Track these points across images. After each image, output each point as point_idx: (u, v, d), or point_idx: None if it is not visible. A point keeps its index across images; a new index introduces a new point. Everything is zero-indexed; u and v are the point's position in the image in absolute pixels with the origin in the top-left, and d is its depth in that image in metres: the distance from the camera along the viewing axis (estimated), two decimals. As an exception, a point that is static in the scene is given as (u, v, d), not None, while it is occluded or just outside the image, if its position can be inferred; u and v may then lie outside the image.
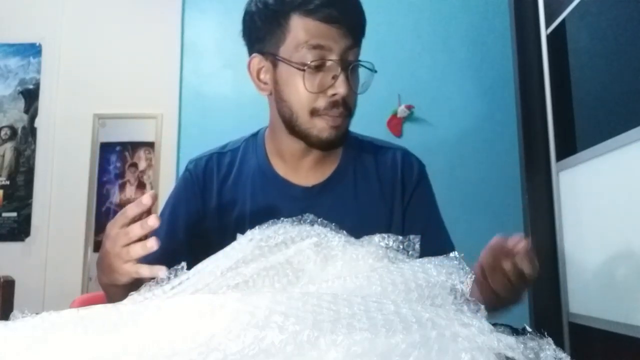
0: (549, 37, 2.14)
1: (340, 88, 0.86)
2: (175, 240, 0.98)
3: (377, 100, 2.54)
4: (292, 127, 0.92)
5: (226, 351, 0.44)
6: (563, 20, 2.02)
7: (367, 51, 3.07)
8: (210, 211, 0.99)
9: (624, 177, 1.62)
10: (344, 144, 0.96)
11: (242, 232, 0.95)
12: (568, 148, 1.98)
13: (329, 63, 0.87)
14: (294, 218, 0.77)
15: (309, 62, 0.86)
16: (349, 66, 0.87)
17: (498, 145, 2.50)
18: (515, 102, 2.48)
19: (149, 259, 1.02)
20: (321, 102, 0.88)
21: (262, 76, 0.94)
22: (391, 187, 0.99)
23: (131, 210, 0.75)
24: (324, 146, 0.92)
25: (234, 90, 2.57)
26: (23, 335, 0.50)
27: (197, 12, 2.73)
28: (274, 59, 0.90)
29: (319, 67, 0.87)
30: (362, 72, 0.94)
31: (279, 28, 0.89)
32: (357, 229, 0.91)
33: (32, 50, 2.76)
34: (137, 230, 0.74)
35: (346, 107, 0.89)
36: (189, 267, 0.75)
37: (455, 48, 2.60)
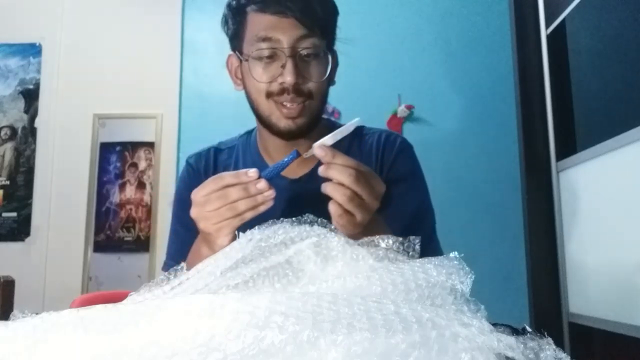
0: (549, 37, 2.14)
1: (287, 76, 0.88)
2: (192, 233, 1.02)
3: (377, 100, 2.55)
4: (260, 118, 0.96)
5: (226, 351, 0.44)
6: (563, 20, 2.02)
7: (368, 51, 3.07)
8: None
9: (624, 177, 1.62)
10: (310, 132, 0.95)
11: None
12: (568, 148, 1.99)
13: (277, 53, 0.89)
14: (293, 218, 0.77)
15: (254, 53, 0.91)
16: (297, 54, 0.89)
17: (498, 145, 2.50)
18: (515, 102, 2.48)
19: (171, 252, 1.04)
20: (274, 87, 0.90)
21: (238, 74, 0.99)
22: (373, 170, 0.99)
23: (229, 179, 0.76)
24: (284, 135, 0.94)
25: (234, 91, 2.57)
26: (23, 335, 0.50)
27: (197, 12, 2.73)
28: (239, 55, 0.95)
29: (271, 58, 0.90)
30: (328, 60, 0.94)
31: (240, 25, 0.94)
32: None
33: (32, 50, 2.76)
34: (237, 193, 0.75)
35: (302, 94, 0.90)
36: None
37: (455, 48, 2.61)
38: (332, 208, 0.73)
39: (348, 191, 0.71)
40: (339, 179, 0.72)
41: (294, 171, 0.99)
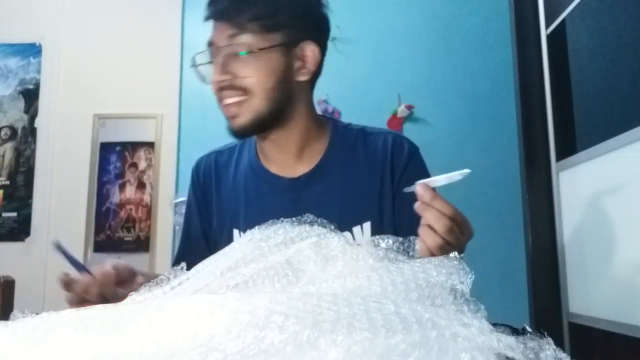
0: (549, 37, 2.14)
1: (213, 76, 0.92)
2: (191, 239, 1.07)
3: (377, 100, 2.55)
4: None
5: (226, 351, 0.44)
6: (563, 20, 2.02)
7: (368, 51, 3.06)
8: (212, 208, 1.04)
9: (624, 177, 1.62)
10: (266, 130, 0.96)
11: (238, 227, 0.98)
12: (568, 148, 1.98)
13: (212, 55, 0.93)
14: (293, 218, 0.77)
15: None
16: (224, 53, 0.91)
17: (498, 145, 2.50)
18: (515, 102, 2.48)
19: (175, 256, 1.07)
20: (215, 88, 0.94)
21: None
22: (381, 171, 0.98)
23: None
24: (233, 135, 0.96)
25: (234, 90, 2.58)
26: (23, 335, 0.50)
27: (197, 12, 2.71)
28: None
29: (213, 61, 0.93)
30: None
31: None
32: (347, 216, 0.93)
33: (32, 50, 2.76)
34: None
35: (235, 89, 0.91)
36: (190, 267, 0.75)
37: (455, 48, 2.60)
38: (420, 248, 0.74)
39: (439, 240, 0.72)
40: (433, 226, 0.72)
41: (293, 170, 0.99)
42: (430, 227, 0.72)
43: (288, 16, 0.93)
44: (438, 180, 0.75)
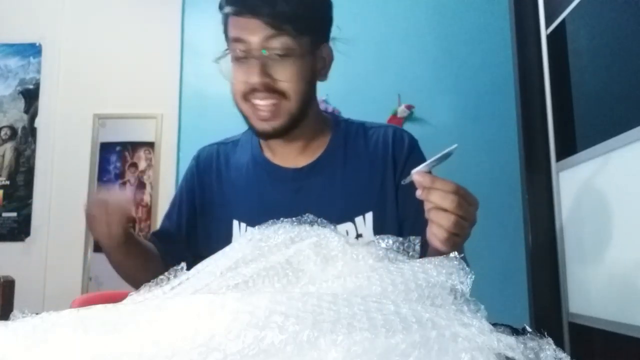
0: (549, 37, 2.14)
1: (252, 77, 0.89)
2: (170, 222, 1.07)
3: (377, 100, 2.54)
4: (244, 120, 0.97)
5: (226, 351, 0.44)
6: (563, 20, 2.02)
7: (367, 51, 3.05)
8: (212, 199, 1.04)
9: (624, 177, 1.62)
10: (291, 131, 0.95)
11: (238, 218, 0.98)
12: (568, 148, 1.98)
13: (248, 54, 0.90)
14: (293, 218, 0.77)
15: (230, 55, 0.93)
16: (265, 55, 0.89)
17: (498, 145, 2.50)
18: (515, 102, 2.48)
19: (163, 240, 1.06)
20: (246, 88, 0.91)
21: None
22: (382, 164, 1.00)
23: None
24: (263, 137, 0.96)
25: (234, 90, 2.57)
26: (23, 335, 0.50)
27: (197, 12, 2.73)
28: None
29: (245, 59, 0.90)
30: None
31: (226, 30, 0.95)
32: (348, 208, 0.94)
33: (32, 50, 2.76)
34: None
35: (273, 92, 0.90)
36: (190, 267, 0.76)
37: (455, 48, 2.60)
38: (437, 232, 0.74)
39: (453, 217, 0.72)
40: (442, 205, 0.72)
41: (295, 162, 1.00)
42: (440, 207, 0.72)
43: (314, 19, 0.93)
44: (431, 163, 0.75)
